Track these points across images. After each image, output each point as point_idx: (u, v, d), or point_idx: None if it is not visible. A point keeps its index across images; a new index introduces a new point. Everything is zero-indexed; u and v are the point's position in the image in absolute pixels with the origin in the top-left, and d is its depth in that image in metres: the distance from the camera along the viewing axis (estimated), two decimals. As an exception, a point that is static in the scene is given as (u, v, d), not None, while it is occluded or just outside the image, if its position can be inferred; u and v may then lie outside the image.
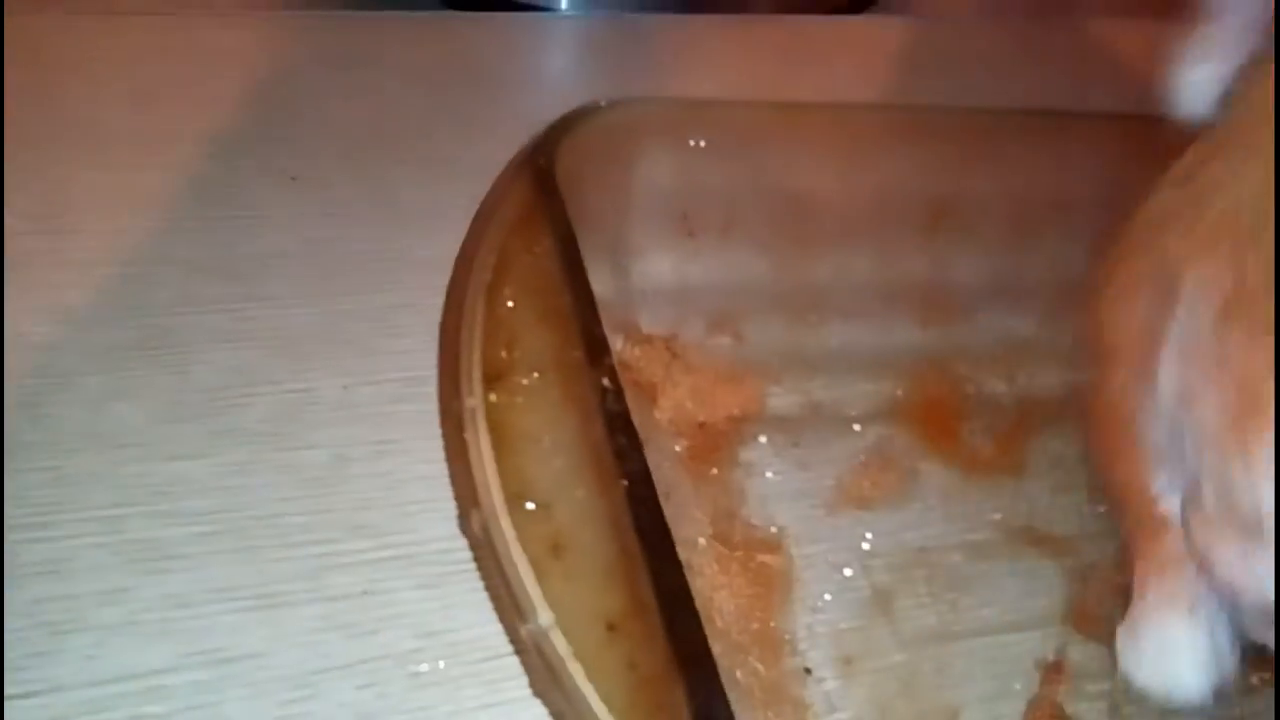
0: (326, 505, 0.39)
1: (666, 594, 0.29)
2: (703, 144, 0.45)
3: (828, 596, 0.39)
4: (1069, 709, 0.38)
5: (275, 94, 0.55)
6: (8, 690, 0.32)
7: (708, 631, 0.36)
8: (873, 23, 0.75)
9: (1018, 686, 0.38)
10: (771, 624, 0.38)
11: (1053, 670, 0.39)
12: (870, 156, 0.45)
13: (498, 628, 0.36)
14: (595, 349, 0.34)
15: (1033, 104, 0.56)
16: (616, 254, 0.45)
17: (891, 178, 0.44)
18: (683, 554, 0.38)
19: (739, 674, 0.36)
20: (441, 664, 0.35)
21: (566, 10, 0.71)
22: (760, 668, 0.37)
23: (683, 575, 0.29)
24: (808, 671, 0.37)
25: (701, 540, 0.39)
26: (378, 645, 0.36)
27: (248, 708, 0.33)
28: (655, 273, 0.47)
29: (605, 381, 0.33)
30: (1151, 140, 0.40)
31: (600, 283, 0.44)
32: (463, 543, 0.38)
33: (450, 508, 0.38)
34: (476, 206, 0.42)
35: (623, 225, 0.45)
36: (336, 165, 0.52)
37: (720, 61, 0.66)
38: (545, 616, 0.28)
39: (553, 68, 0.63)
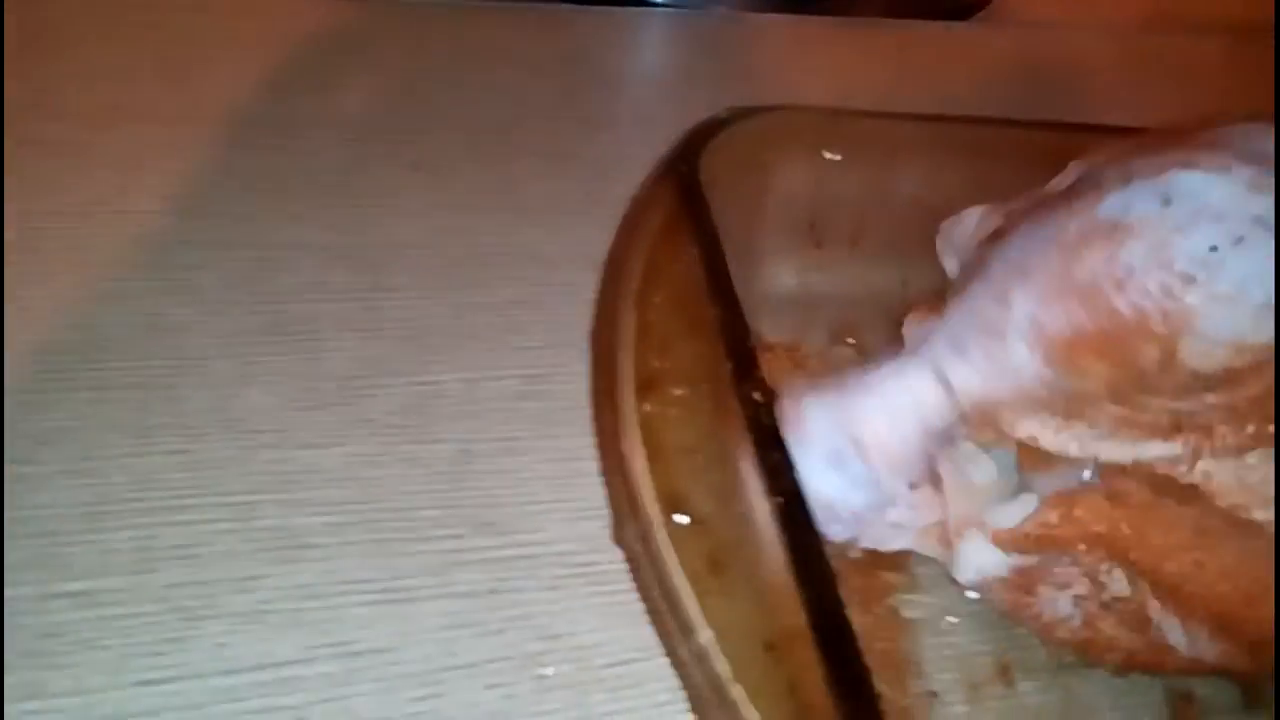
0: (453, 500, 0.38)
1: (822, 619, 0.27)
2: (835, 155, 0.44)
3: (953, 619, 0.38)
4: (1197, 746, 0.36)
5: (399, 82, 0.54)
6: (145, 675, 0.32)
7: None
8: (983, 30, 0.73)
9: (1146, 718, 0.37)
10: (897, 645, 0.37)
11: (1184, 702, 0.37)
12: (999, 172, 0.43)
13: (620, 634, 0.35)
14: (745, 362, 0.33)
15: (1147, 119, 0.54)
16: (743, 261, 0.44)
17: (1019, 194, 0.42)
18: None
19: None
20: (567, 668, 0.34)
21: (685, 6, 0.69)
22: (886, 690, 0.35)
23: (839, 600, 0.28)
24: (934, 695, 0.36)
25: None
26: (504, 645, 0.35)
27: (378, 702, 0.32)
28: (780, 281, 0.45)
29: (757, 395, 0.32)
30: None
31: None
32: (584, 545, 0.37)
33: (573, 509, 0.38)
34: (594, 202, 0.41)
35: (751, 233, 0.44)
36: (461, 156, 0.51)
37: (835, 66, 0.65)
38: (705, 634, 0.27)
39: (669, 66, 0.62)
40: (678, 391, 0.32)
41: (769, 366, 0.43)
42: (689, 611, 0.27)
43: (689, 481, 0.30)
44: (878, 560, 0.39)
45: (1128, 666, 0.36)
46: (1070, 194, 0.34)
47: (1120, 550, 0.33)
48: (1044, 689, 0.37)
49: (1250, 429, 0.30)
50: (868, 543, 0.36)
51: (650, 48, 0.63)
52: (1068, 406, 0.32)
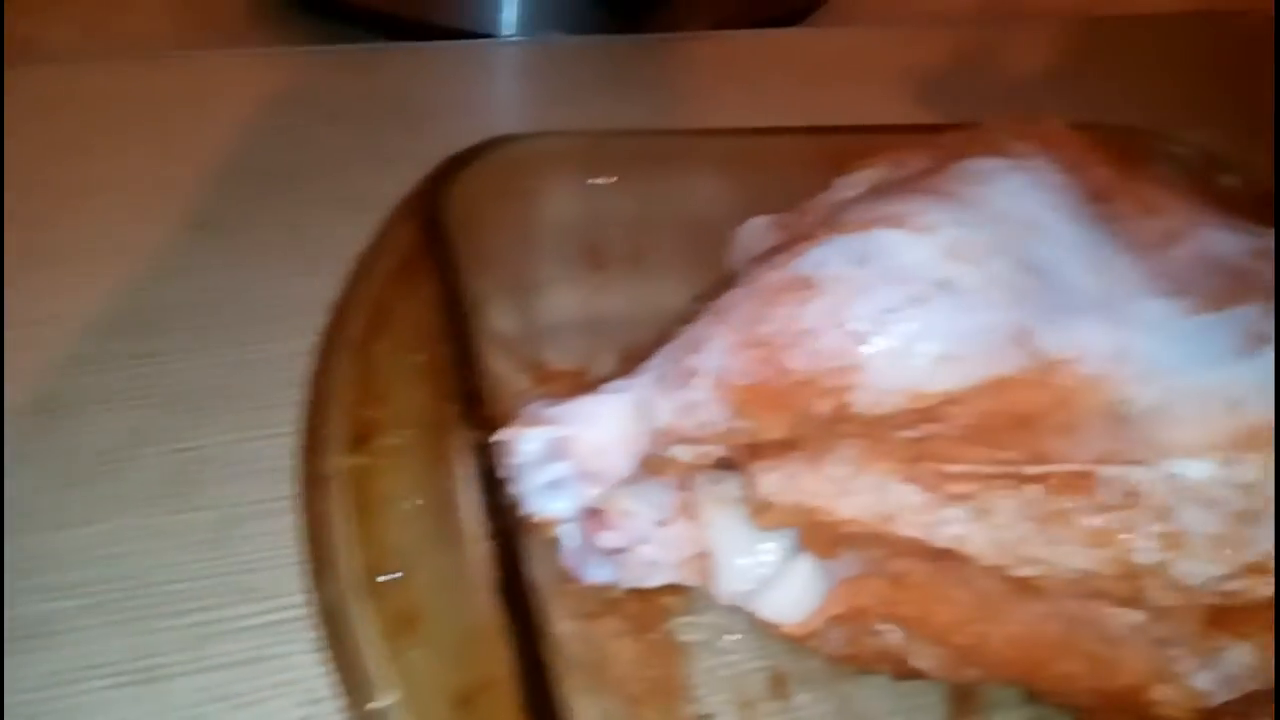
0: (213, 569, 0.37)
1: (525, 664, 0.26)
2: (606, 176, 0.43)
3: (732, 637, 0.37)
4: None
5: (191, 138, 0.54)
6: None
7: (601, 681, 0.33)
8: (803, 35, 0.73)
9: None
10: (670, 670, 0.36)
11: (964, 699, 0.36)
12: (782, 181, 0.42)
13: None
14: (471, 403, 0.32)
15: (968, 114, 0.53)
16: (521, 291, 0.43)
17: (795, 201, 0.41)
18: (582, 603, 0.36)
19: (631, 725, 0.34)
20: (334, 729, 0.33)
21: (506, 35, 0.68)
22: (654, 716, 0.34)
23: (538, 644, 0.27)
24: (705, 718, 0.35)
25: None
26: (262, 715, 0.33)
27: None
28: (563, 307, 0.44)
29: (478, 437, 0.31)
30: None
31: (505, 320, 0.42)
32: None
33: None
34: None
35: (527, 261, 0.43)
36: (249, 209, 0.50)
37: (651, 83, 0.64)
38: (389, 695, 0.26)
39: (478, 96, 0.61)
40: (393, 441, 0.31)
41: (557, 396, 0.42)
42: (373, 672, 0.26)
43: (396, 534, 0.29)
44: (659, 587, 0.37)
45: (900, 674, 0.35)
46: (791, 240, 0.34)
47: (909, 628, 0.34)
48: (820, 699, 0.37)
49: (957, 468, 0.31)
50: (629, 581, 0.35)
51: (459, 81, 0.62)
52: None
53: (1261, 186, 0.43)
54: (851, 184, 0.38)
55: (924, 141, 0.37)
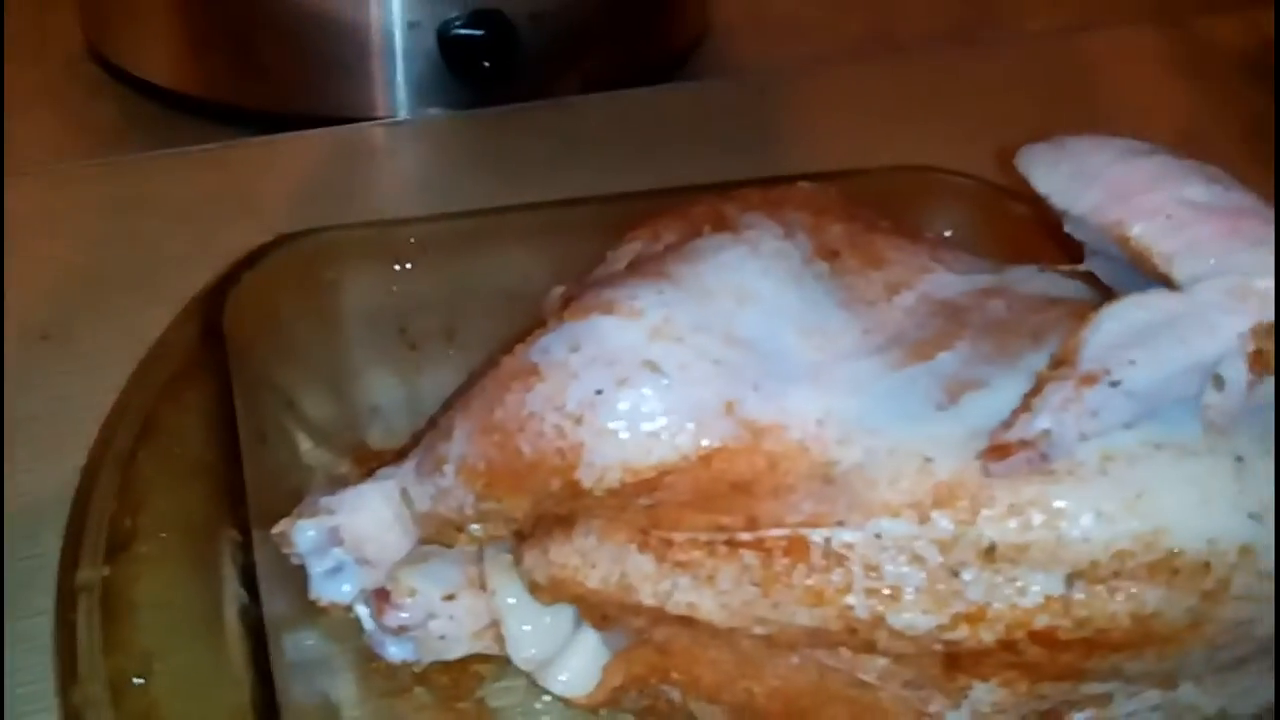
0: (47, 672, 0.38)
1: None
2: (407, 260, 0.45)
3: (546, 699, 0.39)
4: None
5: (32, 250, 0.55)
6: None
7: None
8: (656, 94, 0.75)
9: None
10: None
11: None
12: (578, 249, 0.44)
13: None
14: (231, 500, 0.34)
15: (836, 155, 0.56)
16: (335, 378, 0.45)
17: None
18: (391, 680, 0.38)
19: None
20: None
21: (383, 118, 0.71)
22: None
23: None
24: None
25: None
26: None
27: None
28: (382, 390, 0.46)
29: (235, 535, 0.33)
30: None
31: (320, 409, 0.44)
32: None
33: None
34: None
35: (338, 350, 0.45)
36: (90, 316, 0.51)
37: (500, 155, 0.66)
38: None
39: (327, 185, 0.63)
40: (146, 548, 0.33)
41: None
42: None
43: (148, 638, 0.31)
44: (470, 655, 0.39)
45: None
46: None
47: (684, 690, 0.35)
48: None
49: (680, 536, 0.32)
50: (427, 656, 0.37)
51: (306, 171, 0.64)
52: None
53: (1050, 214, 0.45)
54: (620, 256, 0.40)
55: (681, 213, 0.40)
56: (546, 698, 0.39)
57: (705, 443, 0.32)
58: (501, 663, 0.40)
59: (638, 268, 0.36)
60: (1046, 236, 0.41)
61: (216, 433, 0.35)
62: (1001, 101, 0.73)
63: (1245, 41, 0.80)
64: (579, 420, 0.32)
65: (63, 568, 0.33)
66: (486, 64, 0.69)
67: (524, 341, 0.34)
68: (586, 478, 0.32)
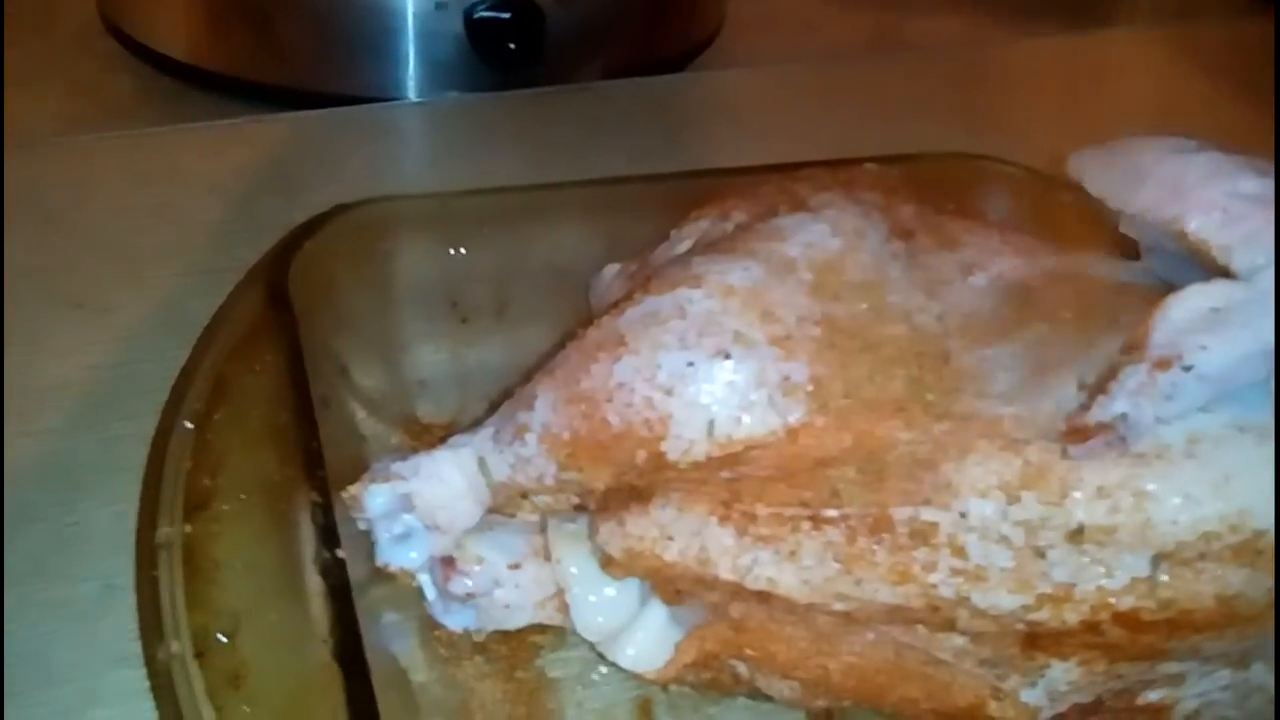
0: (92, 638, 0.37)
1: (356, 715, 0.28)
2: (460, 234, 0.45)
3: (603, 670, 0.38)
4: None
5: (63, 221, 0.54)
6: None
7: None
8: (682, 80, 0.75)
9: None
10: (539, 705, 0.37)
11: (824, 717, 0.38)
12: (627, 227, 0.44)
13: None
14: (309, 462, 0.33)
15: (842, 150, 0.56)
16: (387, 349, 0.45)
17: (647, 244, 0.43)
18: (450, 649, 0.37)
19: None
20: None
21: (400, 99, 0.70)
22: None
23: (371, 695, 0.28)
24: (575, 754, 0.36)
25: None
26: (136, 779, 0.34)
27: None
28: (432, 363, 0.46)
29: (315, 496, 0.32)
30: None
31: (372, 379, 0.43)
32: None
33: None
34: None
35: (390, 320, 0.44)
36: (123, 286, 0.51)
37: (530, 137, 0.66)
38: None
39: (358, 161, 0.62)
40: (227, 507, 0.32)
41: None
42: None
43: (227, 597, 0.30)
44: (529, 625, 0.39)
45: (760, 697, 0.37)
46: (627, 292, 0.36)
47: (756, 666, 0.35)
48: (689, 729, 0.37)
49: (763, 510, 0.32)
50: (489, 625, 0.37)
51: (336, 148, 0.63)
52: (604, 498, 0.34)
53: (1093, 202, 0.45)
54: (685, 235, 0.40)
55: (747, 192, 0.39)
56: (604, 669, 0.39)
57: (793, 418, 0.31)
58: (559, 634, 0.39)
59: (717, 244, 0.35)
60: (1092, 226, 0.41)
61: (289, 395, 0.34)
62: (1017, 99, 0.73)
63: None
64: (669, 392, 0.32)
65: (141, 526, 0.32)
66: (512, 46, 0.69)
67: (608, 313, 0.34)
68: (673, 450, 0.32)
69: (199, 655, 0.29)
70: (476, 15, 0.68)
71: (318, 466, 0.33)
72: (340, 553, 0.31)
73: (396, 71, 0.71)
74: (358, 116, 0.66)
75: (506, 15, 0.67)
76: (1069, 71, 0.81)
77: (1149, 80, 0.79)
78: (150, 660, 0.30)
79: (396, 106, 0.68)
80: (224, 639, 0.29)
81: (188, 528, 0.32)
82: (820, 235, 0.34)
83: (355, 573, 0.33)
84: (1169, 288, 0.33)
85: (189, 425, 0.34)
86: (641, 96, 0.71)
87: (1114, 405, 0.30)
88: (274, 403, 0.35)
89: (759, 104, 0.72)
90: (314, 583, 0.31)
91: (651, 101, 0.71)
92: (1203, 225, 0.33)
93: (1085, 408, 0.31)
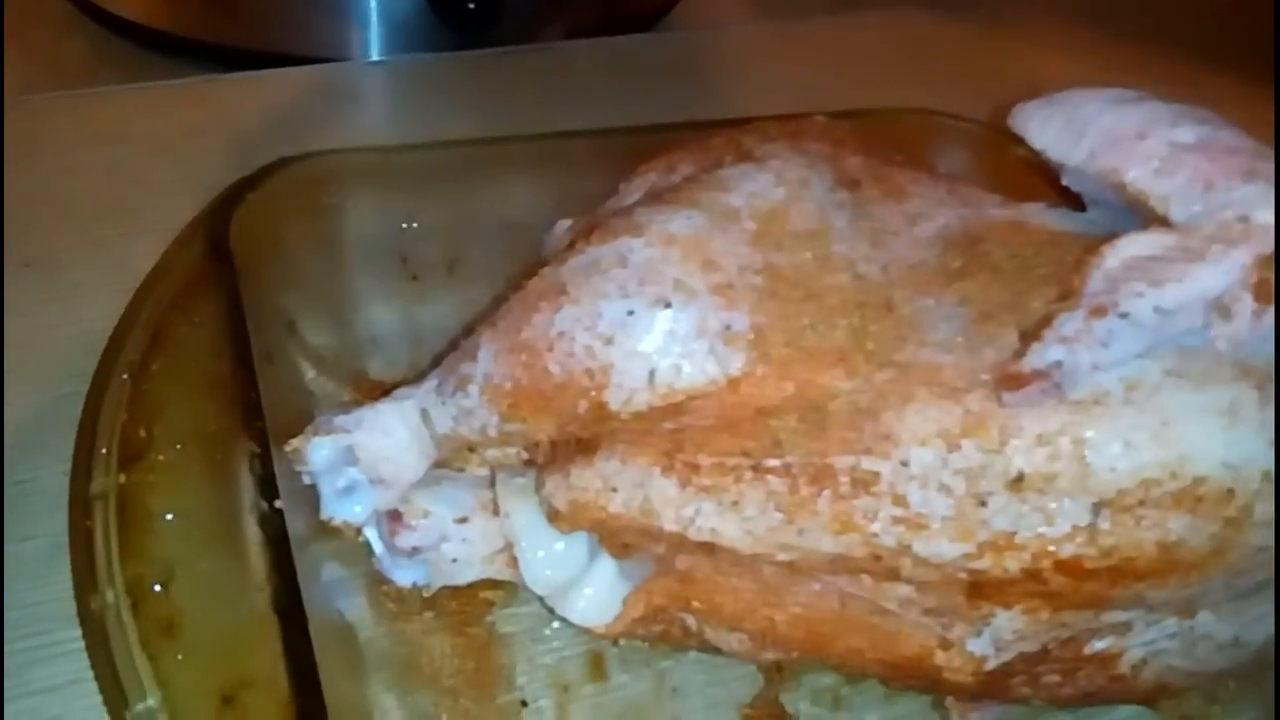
0: (39, 597, 0.37)
1: (293, 662, 0.28)
2: (408, 188, 0.44)
3: (554, 625, 0.38)
4: (790, 708, 0.37)
5: (13, 181, 0.53)
6: None
7: (412, 677, 0.35)
8: (642, 40, 0.74)
9: (740, 690, 0.37)
10: (490, 661, 0.37)
11: (774, 670, 0.38)
12: (579, 181, 0.44)
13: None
14: (248, 413, 0.33)
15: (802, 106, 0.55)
16: (337, 306, 0.44)
17: (602, 201, 0.43)
18: (400, 604, 0.37)
19: (445, 717, 0.35)
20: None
21: (370, 58, 0.69)
22: (471, 706, 0.36)
23: (308, 641, 0.28)
24: (524, 704, 0.36)
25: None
26: (89, 734, 0.34)
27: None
28: (382, 319, 0.45)
29: (254, 447, 0.32)
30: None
31: (321, 335, 0.43)
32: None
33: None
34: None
35: (340, 276, 0.44)
36: (73, 245, 0.50)
37: (487, 96, 0.65)
38: (152, 698, 0.27)
39: (308, 121, 0.62)
40: (163, 458, 0.32)
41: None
42: (134, 678, 0.27)
43: (161, 546, 0.30)
44: (479, 580, 0.39)
45: (712, 650, 0.37)
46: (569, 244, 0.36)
47: (704, 619, 0.35)
48: (638, 677, 0.38)
49: (706, 460, 0.32)
50: (438, 580, 0.37)
51: (287, 108, 0.63)
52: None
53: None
54: (632, 189, 0.40)
55: (695, 145, 0.39)
56: (555, 624, 0.38)
57: (734, 367, 0.31)
58: (510, 589, 0.39)
59: (662, 195, 0.35)
60: (1046, 180, 0.41)
61: (228, 346, 0.34)
62: (980, 57, 0.73)
63: None
64: (609, 341, 0.31)
65: (75, 477, 0.32)
66: (471, 6, 0.68)
67: (552, 263, 0.33)
68: (614, 400, 0.32)
69: (134, 606, 0.28)
70: (434, -26, 0.67)
71: (256, 417, 0.32)
72: (278, 503, 0.30)
73: (354, 32, 0.70)
74: (313, 77, 0.65)
75: (464, -26, 0.67)
76: (1033, 28, 0.80)
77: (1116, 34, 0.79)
78: (84, 611, 0.29)
79: (352, 66, 0.68)
80: (159, 588, 0.29)
81: (122, 478, 0.31)
82: (764, 185, 0.34)
83: (298, 527, 0.33)
84: (1113, 237, 0.32)
85: (125, 377, 0.33)
86: (603, 57, 0.70)
87: (1048, 352, 0.30)
88: (213, 355, 0.34)
89: (723, 64, 0.72)
90: (253, 534, 0.30)
91: (613, 62, 0.70)
92: (1140, 175, 0.33)
93: (1020, 354, 0.30)
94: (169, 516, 0.30)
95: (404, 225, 0.44)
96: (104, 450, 0.32)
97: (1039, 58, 0.73)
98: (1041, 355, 0.30)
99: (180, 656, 0.28)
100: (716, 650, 0.36)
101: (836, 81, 0.69)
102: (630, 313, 0.31)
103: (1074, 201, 0.38)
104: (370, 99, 0.67)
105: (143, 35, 0.72)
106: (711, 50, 0.73)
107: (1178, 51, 0.73)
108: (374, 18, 0.69)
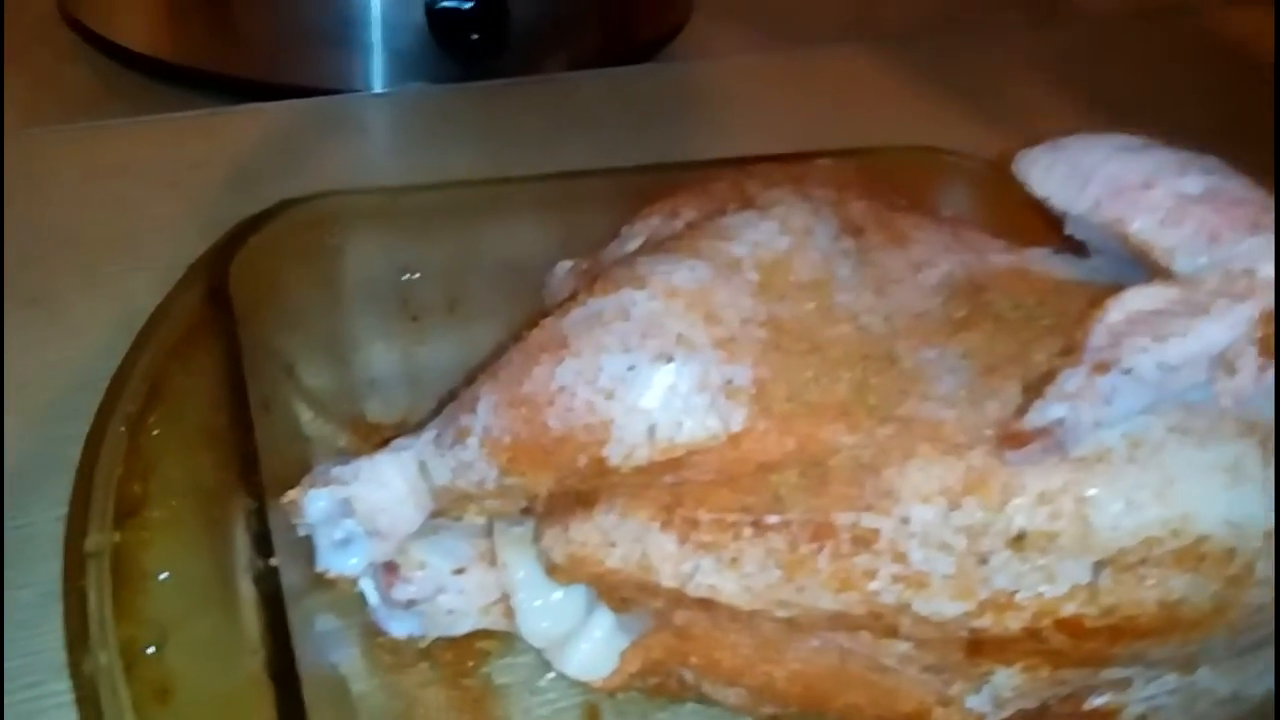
0: (35, 648, 0.37)
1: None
2: (412, 229, 0.44)
3: (550, 676, 0.38)
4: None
5: (17, 215, 0.53)
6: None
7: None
8: (645, 72, 0.74)
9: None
10: (485, 713, 0.37)
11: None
12: (581, 222, 0.44)
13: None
14: (245, 467, 0.33)
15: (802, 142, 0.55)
16: (335, 347, 0.44)
17: (605, 241, 0.43)
18: (394, 656, 0.37)
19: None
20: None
21: (374, 88, 0.69)
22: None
23: (301, 706, 0.28)
24: (521, 757, 0.36)
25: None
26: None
27: None
28: (381, 361, 0.45)
29: (250, 502, 0.32)
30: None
31: (319, 378, 0.42)
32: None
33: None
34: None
35: (339, 318, 0.44)
36: (77, 282, 0.50)
37: (490, 129, 0.65)
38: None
39: (316, 154, 0.62)
40: (159, 514, 0.31)
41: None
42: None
43: (160, 606, 0.30)
44: (475, 631, 0.38)
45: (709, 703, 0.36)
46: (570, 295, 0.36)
47: (702, 675, 0.35)
48: (641, 725, 0.37)
49: (705, 516, 0.32)
50: (434, 631, 0.37)
51: (295, 140, 0.63)
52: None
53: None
54: (635, 233, 0.39)
55: (699, 189, 0.39)
56: (551, 675, 0.38)
57: (735, 422, 0.31)
58: (506, 640, 0.39)
59: (664, 244, 0.35)
60: (1050, 220, 0.41)
61: (226, 398, 0.34)
62: (988, 88, 0.73)
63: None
64: (610, 395, 0.31)
65: (70, 533, 0.32)
66: (475, 37, 0.68)
67: (552, 314, 0.33)
68: (614, 455, 0.31)
69: (127, 669, 0.28)
70: (438, 6, 0.67)
71: (253, 471, 0.32)
72: (274, 561, 0.30)
73: (359, 63, 0.71)
74: (318, 109, 0.65)
75: (469, 5, 0.67)
76: (1046, 60, 0.80)
77: (1126, 69, 0.79)
78: (76, 673, 0.29)
79: (357, 98, 0.68)
80: (152, 650, 0.29)
81: (117, 536, 0.31)
82: (768, 234, 0.34)
83: (293, 579, 0.32)
84: (1118, 287, 0.32)
85: (121, 430, 0.33)
86: (608, 88, 0.70)
87: (1051, 409, 0.30)
88: (211, 406, 0.34)
89: (728, 95, 0.72)
90: (247, 591, 0.30)
91: (618, 93, 0.70)
92: (1145, 226, 0.33)
93: (1023, 412, 0.30)
94: (163, 575, 0.30)
95: (405, 266, 0.44)
96: (100, 506, 0.31)
97: (1042, 90, 0.73)
98: (1044, 412, 0.30)
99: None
100: (714, 703, 0.36)
101: (837, 112, 0.69)
102: (631, 368, 0.31)
103: (1077, 245, 0.38)
104: (375, 130, 0.67)
105: (148, 66, 0.72)
106: (714, 80, 0.73)
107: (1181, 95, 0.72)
108: (378, 49, 0.69)
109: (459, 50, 0.68)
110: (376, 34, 0.69)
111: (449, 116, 0.66)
